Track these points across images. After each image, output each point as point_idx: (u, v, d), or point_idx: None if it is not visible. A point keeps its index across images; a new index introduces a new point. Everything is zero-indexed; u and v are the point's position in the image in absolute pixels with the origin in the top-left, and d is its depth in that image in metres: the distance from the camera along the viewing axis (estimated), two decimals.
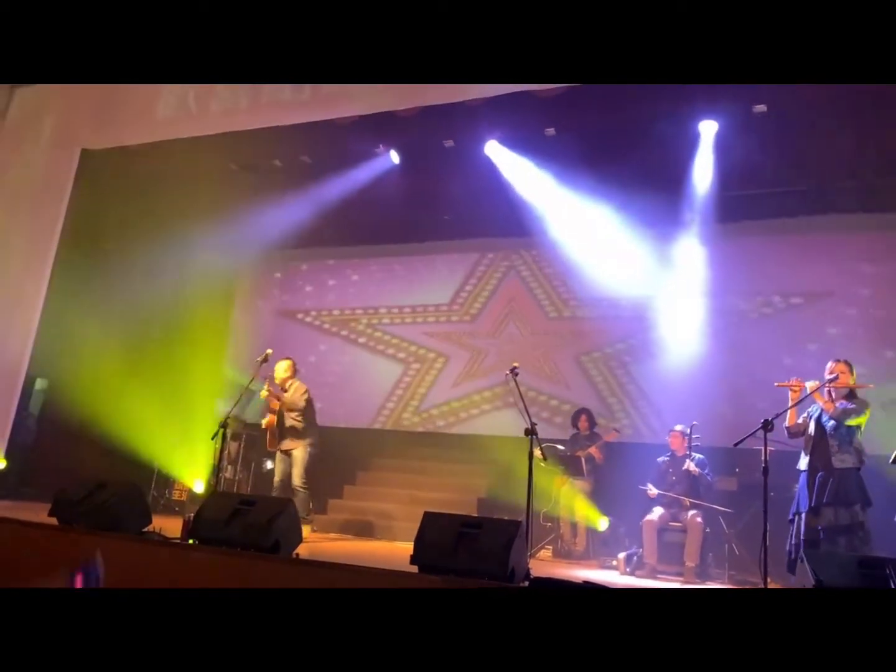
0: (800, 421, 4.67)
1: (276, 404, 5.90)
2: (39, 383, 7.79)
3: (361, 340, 8.77)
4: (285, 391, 5.95)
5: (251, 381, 5.55)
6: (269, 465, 7.90)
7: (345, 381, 8.56)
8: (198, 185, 7.60)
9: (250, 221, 7.49)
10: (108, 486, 4.13)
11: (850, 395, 4.53)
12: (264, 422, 6.00)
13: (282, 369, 6.03)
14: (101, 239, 7.84)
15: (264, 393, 5.91)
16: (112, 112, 7.46)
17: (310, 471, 5.85)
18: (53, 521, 4.07)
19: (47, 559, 3.76)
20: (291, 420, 5.88)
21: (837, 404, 4.45)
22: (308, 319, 9.05)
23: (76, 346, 7.51)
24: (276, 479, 5.94)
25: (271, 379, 6.00)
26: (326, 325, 8.99)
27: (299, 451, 5.83)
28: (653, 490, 5.61)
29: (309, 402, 5.95)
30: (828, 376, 4.50)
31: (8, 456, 7.12)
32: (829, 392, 4.51)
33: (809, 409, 4.71)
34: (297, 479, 5.77)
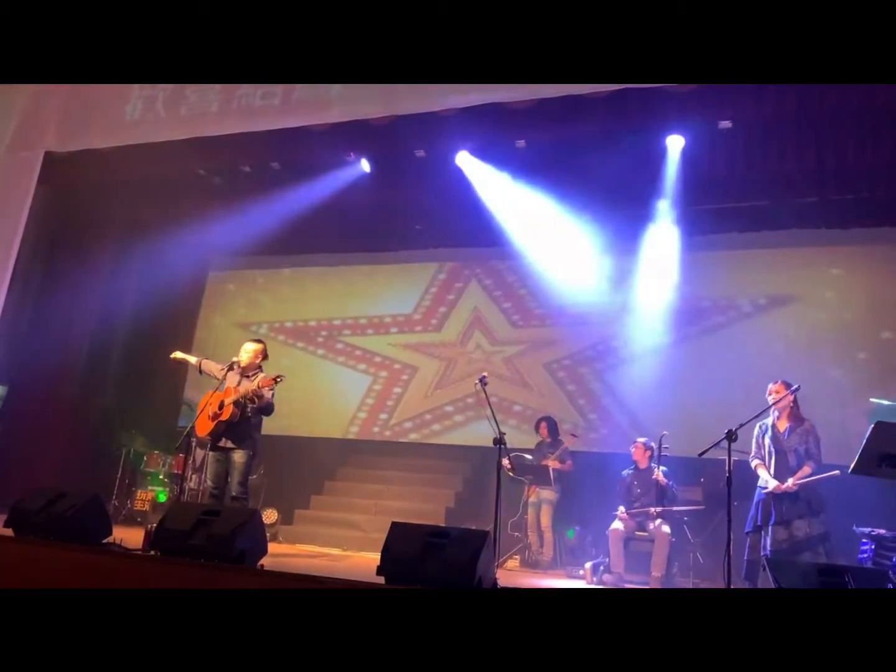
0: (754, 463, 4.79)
1: (230, 391, 5.07)
2: None
3: (321, 352, 8.76)
4: (247, 378, 5.19)
5: (216, 388, 5.32)
6: None
7: (312, 393, 8.49)
8: (165, 189, 7.51)
9: (218, 227, 7.40)
10: (68, 496, 4.02)
11: (795, 414, 4.69)
12: (213, 408, 5.05)
13: (250, 353, 5.25)
14: (67, 244, 7.70)
15: (179, 355, 5.38)
16: (78, 114, 7.31)
17: (247, 479, 5.12)
18: (9, 532, 3.96)
19: (4, 570, 3.65)
20: (248, 413, 5.08)
21: (794, 480, 4.55)
22: (270, 332, 8.95)
23: (39, 352, 7.35)
24: (210, 484, 5.14)
25: (237, 363, 5.24)
26: (283, 337, 8.92)
27: (240, 455, 5.07)
28: (622, 512, 5.62)
29: (268, 401, 5.13)
30: (769, 398, 4.68)
31: None
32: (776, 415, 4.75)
33: (760, 426, 4.83)
34: (237, 487, 5.03)
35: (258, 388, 5.02)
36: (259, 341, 5.48)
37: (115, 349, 8.24)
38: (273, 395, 5.20)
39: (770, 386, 4.78)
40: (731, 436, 3.98)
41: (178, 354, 5.60)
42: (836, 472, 4.49)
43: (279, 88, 6.47)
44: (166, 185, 7.41)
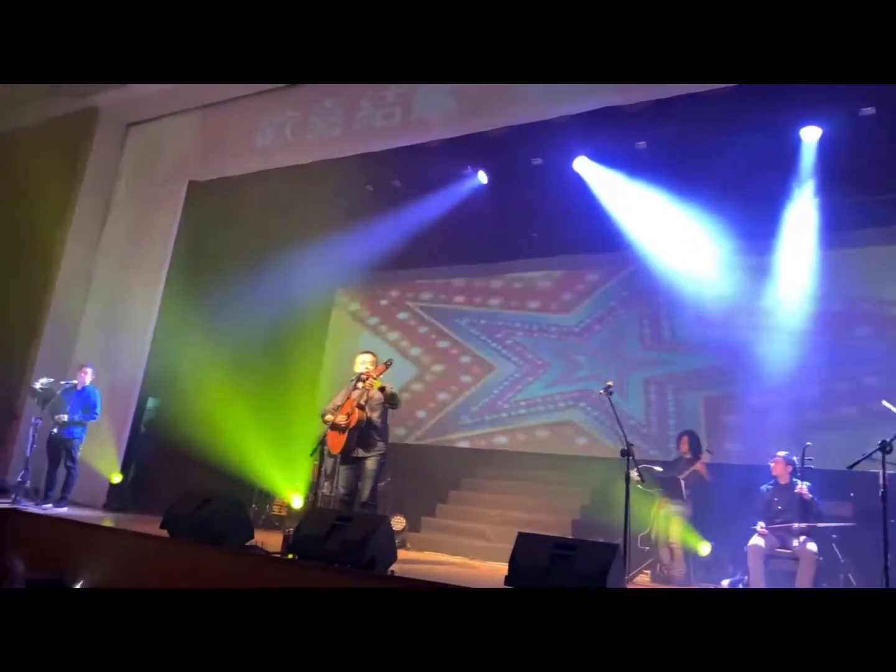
0: None
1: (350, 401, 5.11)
2: (151, 402, 8.27)
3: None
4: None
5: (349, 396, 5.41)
6: None
7: (434, 394, 8.65)
8: (294, 211, 7.93)
9: (344, 246, 7.72)
10: (214, 502, 4.32)
11: None
12: (341, 418, 5.09)
13: (369, 362, 5.33)
14: (207, 266, 8.29)
15: (378, 383, 5.12)
16: (215, 146, 7.92)
17: (377, 486, 5.22)
18: (165, 533, 4.29)
19: (160, 568, 3.97)
20: (373, 419, 5.18)
21: None
22: (396, 338, 9.19)
23: (184, 367, 7.94)
24: (342, 490, 5.23)
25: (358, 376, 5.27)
26: (407, 342, 9.11)
27: (371, 463, 5.13)
28: (762, 527, 5.31)
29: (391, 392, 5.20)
30: None
31: (123, 470, 7.58)
32: None
33: None
34: (367, 494, 5.07)
35: (372, 379, 5.10)
36: (371, 352, 5.52)
37: (254, 362, 8.73)
38: (393, 386, 5.23)
39: None
40: (885, 447, 3.68)
41: (328, 418, 5.29)
42: None
43: (398, 109, 6.69)
44: (296, 206, 7.82)
